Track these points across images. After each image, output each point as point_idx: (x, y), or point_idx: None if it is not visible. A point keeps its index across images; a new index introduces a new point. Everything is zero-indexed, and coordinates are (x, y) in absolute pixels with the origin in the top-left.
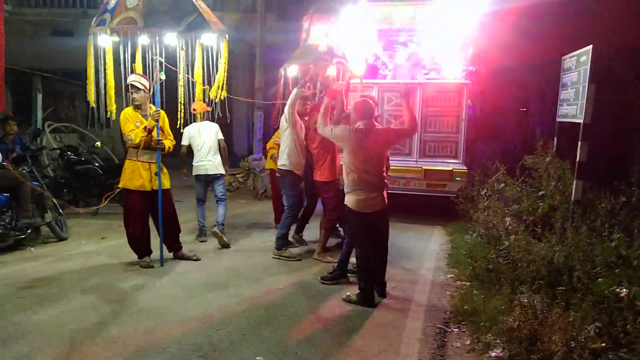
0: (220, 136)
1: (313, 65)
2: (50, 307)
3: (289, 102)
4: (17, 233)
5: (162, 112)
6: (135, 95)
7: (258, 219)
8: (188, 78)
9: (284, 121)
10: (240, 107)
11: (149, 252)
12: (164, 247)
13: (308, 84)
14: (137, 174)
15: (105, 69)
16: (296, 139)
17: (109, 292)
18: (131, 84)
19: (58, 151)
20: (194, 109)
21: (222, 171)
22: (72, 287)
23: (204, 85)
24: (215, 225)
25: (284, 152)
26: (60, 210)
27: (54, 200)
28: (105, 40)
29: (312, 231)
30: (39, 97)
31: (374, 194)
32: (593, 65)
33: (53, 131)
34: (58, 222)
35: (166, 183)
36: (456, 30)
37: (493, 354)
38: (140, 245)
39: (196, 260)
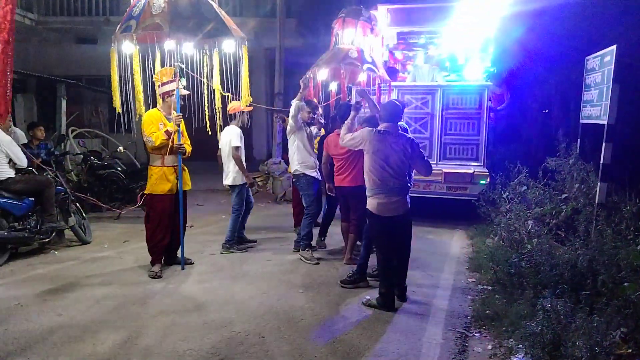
0: (234, 143)
1: (344, 71)
2: (73, 309)
3: (291, 113)
4: (41, 236)
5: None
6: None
7: (277, 222)
8: (208, 85)
9: (289, 130)
10: (260, 111)
11: (163, 259)
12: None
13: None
14: (164, 179)
15: (132, 74)
16: (301, 144)
17: (131, 295)
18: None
19: (81, 156)
20: (231, 109)
21: (232, 182)
22: (94, 290)
23: (223, 93)
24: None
25: (292, 157)
26: (84, 214)
27: (77, 205)
28: (129, 47)
29: (334, 236)
30: (63, 103)
31: (396, 197)
32: (617, 66)
33: (76, 136)
34: (81, 226)
35: (188, 184)
36: (477, 32)
37: (515, 359)
38: (161, 251)
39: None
